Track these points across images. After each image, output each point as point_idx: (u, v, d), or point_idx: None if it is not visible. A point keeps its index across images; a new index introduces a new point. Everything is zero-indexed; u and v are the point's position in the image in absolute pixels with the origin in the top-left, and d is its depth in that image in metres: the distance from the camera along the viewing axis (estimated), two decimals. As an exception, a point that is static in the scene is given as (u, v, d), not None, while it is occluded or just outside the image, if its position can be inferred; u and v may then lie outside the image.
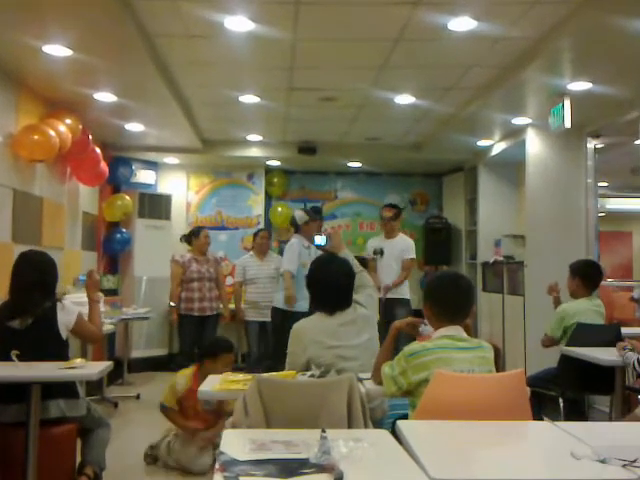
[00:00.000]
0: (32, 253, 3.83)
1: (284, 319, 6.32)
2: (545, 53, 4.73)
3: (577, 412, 4.69)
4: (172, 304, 6.88)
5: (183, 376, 4.60)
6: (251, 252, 7.47)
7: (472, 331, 3.90)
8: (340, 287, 3.49)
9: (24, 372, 3.30)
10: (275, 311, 6.50)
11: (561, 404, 4.72)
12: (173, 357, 7.98)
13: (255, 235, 7.55)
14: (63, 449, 3.57)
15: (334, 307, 3.45)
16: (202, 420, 4.56)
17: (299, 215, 6.50)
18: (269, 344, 7.15)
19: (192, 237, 7.17)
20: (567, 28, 4.30)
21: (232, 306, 7.56)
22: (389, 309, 6.49)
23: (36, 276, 3.66)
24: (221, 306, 7.31)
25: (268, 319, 6.81)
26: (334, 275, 3.49)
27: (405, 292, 6.91)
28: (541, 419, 4.32)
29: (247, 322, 7.32)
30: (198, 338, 7.06)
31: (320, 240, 4.98)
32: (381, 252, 6.98)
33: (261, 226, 8.90)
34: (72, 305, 3.80)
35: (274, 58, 5.21)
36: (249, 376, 3.11)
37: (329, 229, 8.85)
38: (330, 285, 3.47)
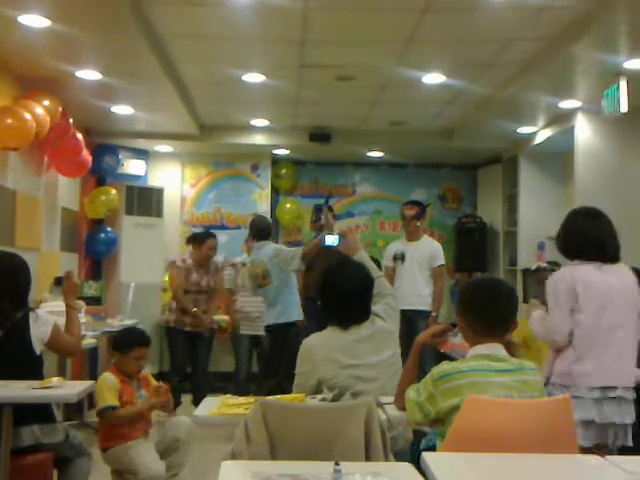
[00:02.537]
0: (0, 255, 3.84)
1: (284, 335, 6.30)
2: (598, 25, 4.70)
3: (633, 444, 4.64)
4: (194, 309, 6.90)
5: (106, 376, 4.51)
6: (245, 255, 7.48)
7: (516, 349, 3.89)
8: (356, 296, 3.47)
9: (-7, 392, 3.31)
10: (270, 329, 6.45)
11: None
12: (164, 375, 8.01)
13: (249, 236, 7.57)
14: (37, 481, 3.58)
15: (349, 320, 3.44)
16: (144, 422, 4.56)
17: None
18: (267, 362, 7.14)
19: (195, 243, 7.09)
20: (624, -4, 4.29)
21: (222, 317, 7.59)
22: (408, 323, 6.39)
23: (5, 282, 3.66)
24: (216, 317, 7.31)
25: (262, 333, 6.77)
26: (348, 282, 3.47)
27: (428, 302, 6.90)
28: (590, 452, 4.28)
29: (236, 336, 7.30)
30: (193, 354, 7.08)
31: (332, 240, 4.95)
32: (402, 257, 6.98)
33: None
34: (47, 315, 3.80)
35: (283, 30, 5.21)
36: (251, 399, 3.12)
37: (345, 228, 8.84)
38: (344, 294, 3.45)
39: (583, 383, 3.60)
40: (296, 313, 6.41)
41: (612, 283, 3.73)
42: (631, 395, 3.66)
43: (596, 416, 3.56)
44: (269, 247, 6.42)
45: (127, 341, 4.54)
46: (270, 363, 6.56)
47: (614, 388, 3.61)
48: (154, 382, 4.58)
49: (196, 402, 6.32)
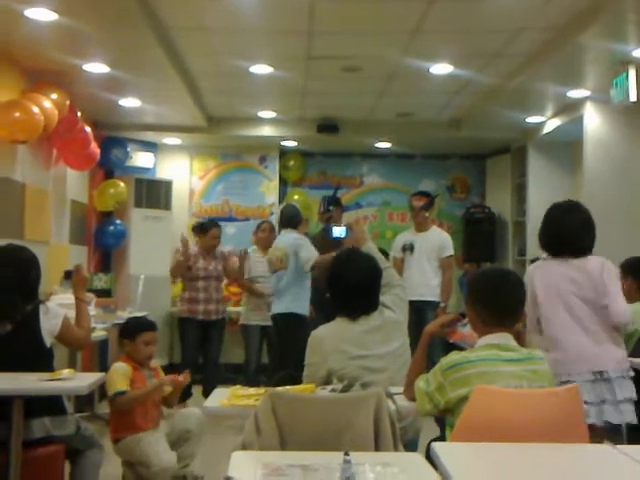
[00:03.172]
0: (10, 248, 3.84)
1: (289, 326, 6.27)
2: (606, 14, 4.68)
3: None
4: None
5: (118, 364, 4.51)
6: (254, 247, 7.51)
7: (524, 339, 3.90)
8: (364, 287, 3.48)
9: (4, 385, 3.32)
10: (277, 320, 6.43)
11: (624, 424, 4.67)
12: (175, 367, 8.03)
13: (257, 228, 7.59)
14: (49, 473, 3.59)
15: (358, 311, 3.45)
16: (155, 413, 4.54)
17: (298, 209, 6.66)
18: (276, 354, 7.13)
19: (199, 232, 7.17)
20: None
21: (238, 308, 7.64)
22: (416, 313, 6.30)
23: (15, 275, 3.67)
24: (228, 309, 7.38)
25: (271, 323, 6.75)
26: (357, 273, 3.47)
27: (437, 293, 6.89)
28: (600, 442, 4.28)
29: (245, 326, 7.27)
30: (206, 345, 7.11)
31: (339, 232, 4.94)
32: (411, 248, 6.97)
33: (275, 217, 8.93)
34: (57, 308, 3.82)
35: (289, 22, 5.20)
36: (261, 390, 3.13)
37: (352, 219, 8.81)
38: (352, 285, 3.46)
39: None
40: (302, 306, 6.37)
41: (573, 276, 3.83)
42: (615, 374, 3.75)
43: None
44: (293, 235, 6.37)
45: (133, 327, 4.57)
46: (280, 354, 6.55)
47: (597, 373, 3.71)
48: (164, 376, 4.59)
49: (206, 393, 6.34)
